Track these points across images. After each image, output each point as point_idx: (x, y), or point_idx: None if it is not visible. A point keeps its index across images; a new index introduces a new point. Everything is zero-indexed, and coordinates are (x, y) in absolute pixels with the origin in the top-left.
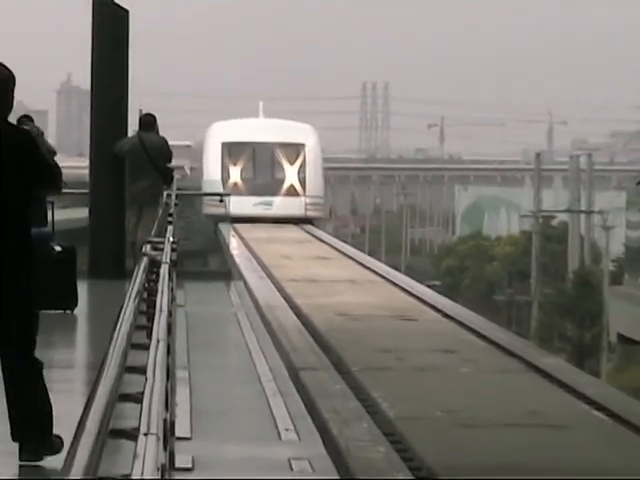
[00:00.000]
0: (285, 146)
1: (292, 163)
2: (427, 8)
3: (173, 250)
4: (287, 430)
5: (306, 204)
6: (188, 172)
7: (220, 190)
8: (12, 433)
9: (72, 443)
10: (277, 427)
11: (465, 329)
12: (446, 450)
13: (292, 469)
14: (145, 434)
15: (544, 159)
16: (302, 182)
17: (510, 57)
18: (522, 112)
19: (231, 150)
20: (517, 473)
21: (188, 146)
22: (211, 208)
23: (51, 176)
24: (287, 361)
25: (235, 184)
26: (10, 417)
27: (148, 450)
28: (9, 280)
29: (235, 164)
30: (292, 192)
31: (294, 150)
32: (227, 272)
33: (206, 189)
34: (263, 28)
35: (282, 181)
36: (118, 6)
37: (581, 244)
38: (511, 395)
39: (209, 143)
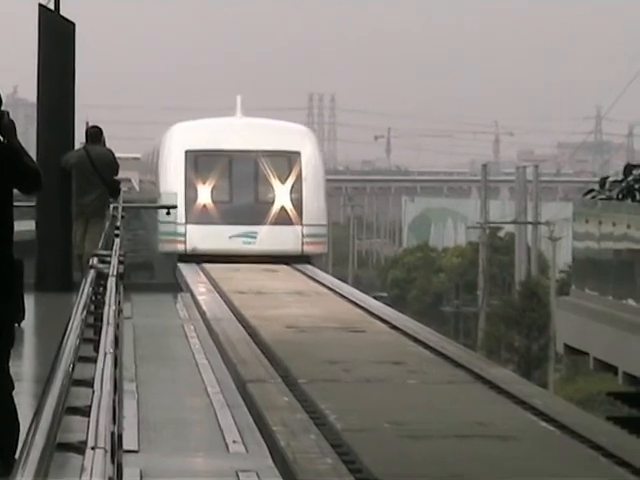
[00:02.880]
0: (274, 155)
1: (283, 179)
2: (373, 20)
3: (120, 263)
4: (235, 442)
5: (303, 236)
6: (136, 186)
7: (181, 206)
8: None
9: (19, 456)
10: (225, 439)
11: (412, 340)
12: (394, 461)
13: None
14: (92, 447)
15: (491, 170)
16: (297, 205)
17: (456, 68)
18: (469, 123)
19: (198, 161)
20: None
21: (136, 158)
22: (169, 245)
23: (32, 177)
24: (234, 373)
25: (204, 208)
26: None
27: (96, 463)
28: None
29: (204, 181)
30: (283, 219)
31: (286, 161)
32: (174, 284)
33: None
34: (211, 38)
35: (270, 204)
36: (65, 19)
37: (528, 255)
38: (458, 406)
39: (167, 151)
